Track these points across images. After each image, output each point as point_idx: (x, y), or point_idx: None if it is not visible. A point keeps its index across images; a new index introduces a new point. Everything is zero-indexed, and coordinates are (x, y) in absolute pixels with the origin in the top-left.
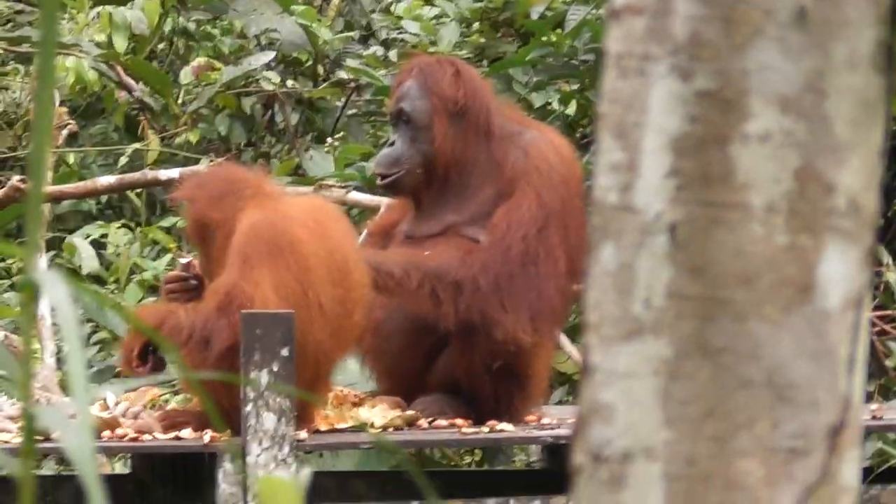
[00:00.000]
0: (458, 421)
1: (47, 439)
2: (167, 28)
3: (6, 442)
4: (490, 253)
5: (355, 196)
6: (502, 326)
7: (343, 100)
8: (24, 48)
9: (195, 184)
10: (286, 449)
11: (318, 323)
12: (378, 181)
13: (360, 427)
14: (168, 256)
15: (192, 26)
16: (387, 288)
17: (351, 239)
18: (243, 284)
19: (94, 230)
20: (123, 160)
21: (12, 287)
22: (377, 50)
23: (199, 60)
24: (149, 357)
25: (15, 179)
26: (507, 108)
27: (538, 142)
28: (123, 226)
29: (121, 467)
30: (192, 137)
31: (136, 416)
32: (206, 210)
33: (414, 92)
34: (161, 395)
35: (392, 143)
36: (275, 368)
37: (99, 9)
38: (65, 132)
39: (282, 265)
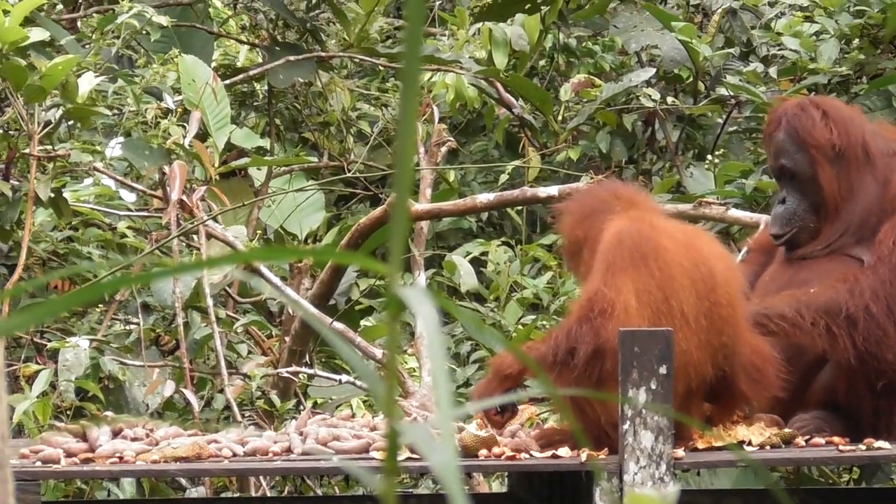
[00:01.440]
0: (836, 438)
1: (420, 458)
2: (547, 44)
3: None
4: (877, 275)
5: (735, 213)
6: (894, 349)
7: (723, 116)
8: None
9: (571, 200)
10: (663, 467)
11: (682, 333)
12: (774, 241)
13: (737, 445)
14: (548, 274)
15: (572, 42)
16: (781, 331)
17: (723, 259)
18: (605, 290)
19: (474, 248)
20: (504, 177)
21: None
22: (757, 66)
23: (580, 77)
24: (507, 406)
25: (393, 197)
26: (882, 126)
27: None
28: (504, 243)
29: (498, 486)
30: (573, 154)
31: (513, 435)
32: (572, 228)
33: (789, 146)
34: (539, 414)
35: (783, 200)
36: (652, 386)
37: (479, 25)
38: (444, 149)
39: (644, 272)
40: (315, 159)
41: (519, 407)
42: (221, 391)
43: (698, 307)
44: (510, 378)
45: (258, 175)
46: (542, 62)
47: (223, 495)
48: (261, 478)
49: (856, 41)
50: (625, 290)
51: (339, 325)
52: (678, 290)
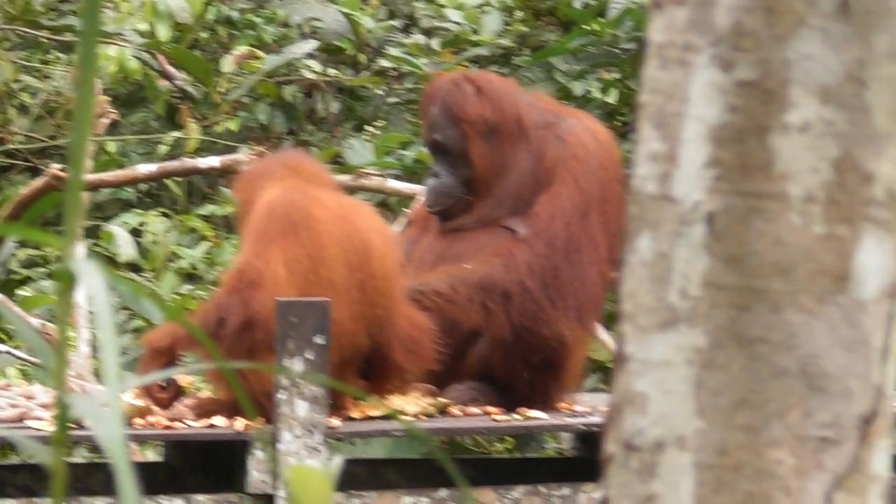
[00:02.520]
0: (490, 408)
1: (79, 427)
2: (210, 17)
3: (39, 430)
4: (532, 249)
5: (393, 184)
6: (550, 324)
7: (384, 88)
8: (67, 37)
9: (247, 166)
10: (318, 436)
11: (334, 303)
12: (427, 211)
13: (392, 415)
14: (205, 245)
15: (234, 15)
16: (436, 307)
17: (380, 232)
18: (254, 260)
19: (133, 218)
20: (163, 149)
21: (49, 276)
22: (419, 38)
23: (241, 49)
24: (169, 382)
25: (54, 168)
26: (539, 98)
27: (575, 128)
28: (162, 214)
29: (153, 455)
30: (233, 126)
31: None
32: (237, 192)
33: (442, 121)
34: (194, 383)
35: (436, 174)
36: (308, 356)
37: None
38: (105, 121)
39: (294, 242)
40: None
41: (177, 379)
42: None
43: (350, 278)
44: (164, 353)
45: None
46: (204, 34)
47: None
48: None
49: (518, 13)
50: (274, 260)
51: None
52: (329, 260)
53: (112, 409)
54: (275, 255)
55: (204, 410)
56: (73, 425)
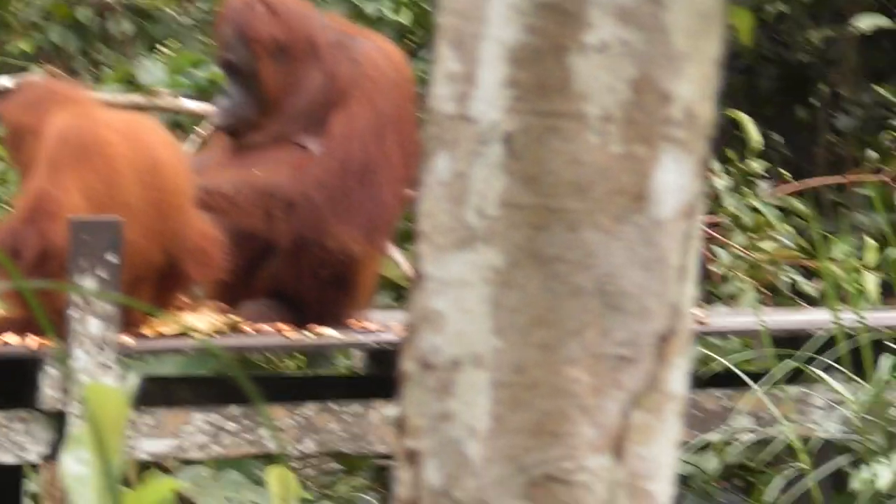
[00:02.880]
0: (281, 325)
1: None
2: None
3: None
4: (325, 166)
5: (186, 104)
6: (335, 238)
7: (178, 9)
8: None
9: (12, 94)
10: (110, 354)
11: (128, 224)
12: (216, 130)
13: (184, 332)
14: None
15: None
16: (219, 208)
17: (169, 147)
18: (51, 190)
19: None
20: None
21: None
22: None
23: None
24: None
25: None
26: (332, 18)
27: (368, 49)
28: None
29: None
30: (26, 46)
31: None
32: (19, 116)
33: (234, 41)
34: None
35: (227, 94)
36: (100, 274)
37: None
38: None
39: (88, 168)
40: None
41: None
42: None
43: (144, 198)
44: None
45: None
46: None
47: None
48: None
49: None
50: (71, 188)
51: None
52: (123, 183)
53: None
54: (70, 182)
55: None
56: None
